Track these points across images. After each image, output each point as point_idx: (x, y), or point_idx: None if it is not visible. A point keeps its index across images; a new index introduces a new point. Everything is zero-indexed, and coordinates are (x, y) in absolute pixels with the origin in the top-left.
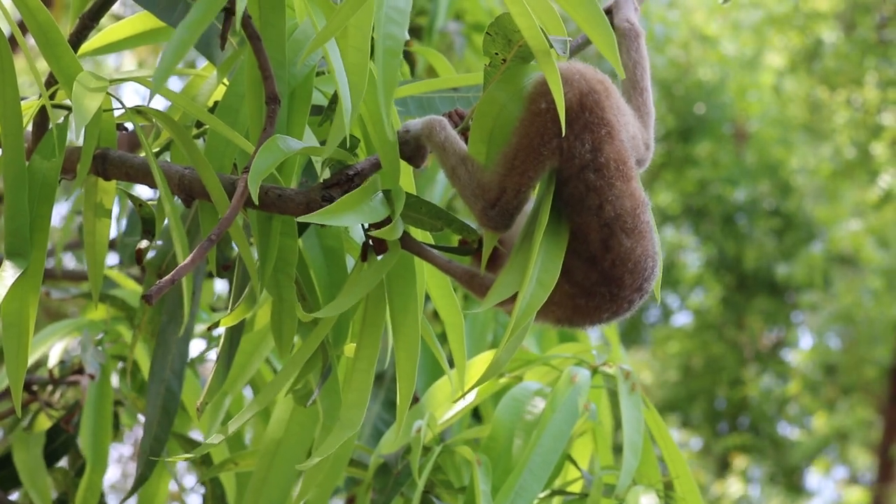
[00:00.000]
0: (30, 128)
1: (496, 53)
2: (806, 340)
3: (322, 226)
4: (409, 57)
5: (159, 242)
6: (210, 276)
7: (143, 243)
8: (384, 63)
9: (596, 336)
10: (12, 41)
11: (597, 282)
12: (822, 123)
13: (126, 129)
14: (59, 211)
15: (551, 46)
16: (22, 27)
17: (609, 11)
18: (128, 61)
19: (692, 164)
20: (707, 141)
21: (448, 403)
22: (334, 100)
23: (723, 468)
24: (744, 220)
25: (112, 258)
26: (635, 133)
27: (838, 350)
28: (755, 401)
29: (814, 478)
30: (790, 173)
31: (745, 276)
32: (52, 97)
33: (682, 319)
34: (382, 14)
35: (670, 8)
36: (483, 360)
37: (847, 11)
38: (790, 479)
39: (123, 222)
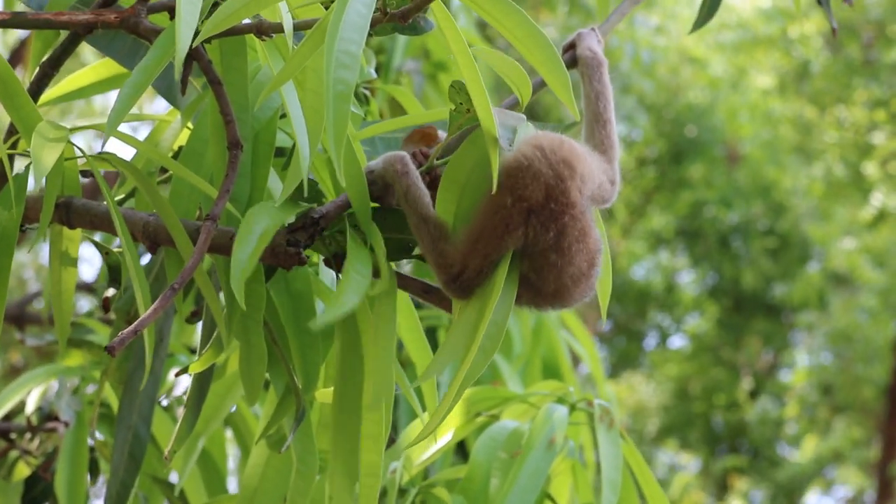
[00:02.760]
0: None
1: (461, 103)
2: (803, 360)
3: (289, 270)
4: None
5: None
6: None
7: (110, 291)
8: (335, 108)
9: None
10: None
11: (542, 302)
12: (813, 143)
13: (93, 175)
14: (44, 254)
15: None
16: None
17: (572, 45)
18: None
19: (685, 187)
20: (699, 163)
21: (426, 444)
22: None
23: (722, 490)
24: (738, 241)
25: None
26: (601, 180)
27: (835, 369)
28: (753, 422)
29: (814, 498)
30: (783, 193)
31: (742, 297)
32: (14, 146)
33: (678, 342)
34: (333, 58)
35: (657, 34)
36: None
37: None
38: (790, 499)
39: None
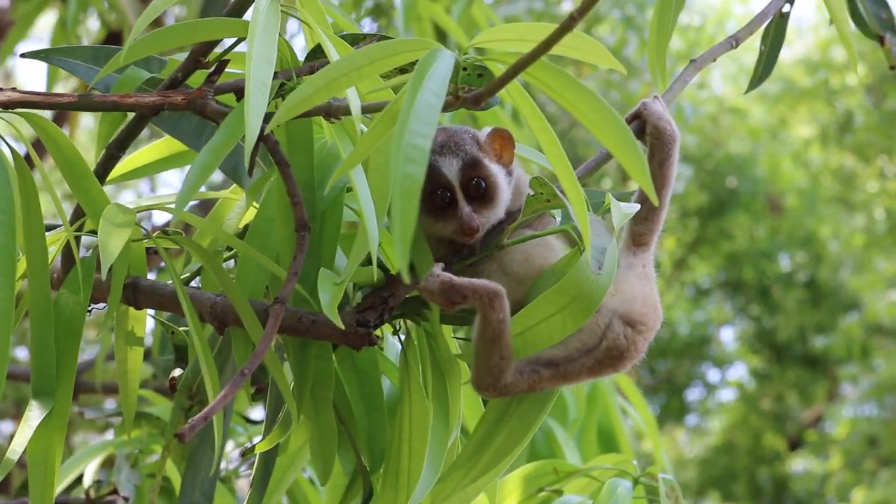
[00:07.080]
0: (59, 257)
1: (541, 193)
2: (847, 412)
3: (358, 350)
4: None
5: None
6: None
7: (177, 372)
8: (402, 204)
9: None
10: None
11: None
12: (855, 194)
13: (157, 252)
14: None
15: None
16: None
17: (637, 115)
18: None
19: (726, 238)
20: (741, 214)
21: None
22: None
23: None
24: (780, 292)
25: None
26: None
27: (879, 421)
28: (797, 475)
29: None
30: (824, 244)
31: (781, 348)
32: (80, 227)
33: (723, 395)
34: (401, 154)
35: (699, 88)
36: (517, 477)
37: (876, 84)
38: None
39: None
